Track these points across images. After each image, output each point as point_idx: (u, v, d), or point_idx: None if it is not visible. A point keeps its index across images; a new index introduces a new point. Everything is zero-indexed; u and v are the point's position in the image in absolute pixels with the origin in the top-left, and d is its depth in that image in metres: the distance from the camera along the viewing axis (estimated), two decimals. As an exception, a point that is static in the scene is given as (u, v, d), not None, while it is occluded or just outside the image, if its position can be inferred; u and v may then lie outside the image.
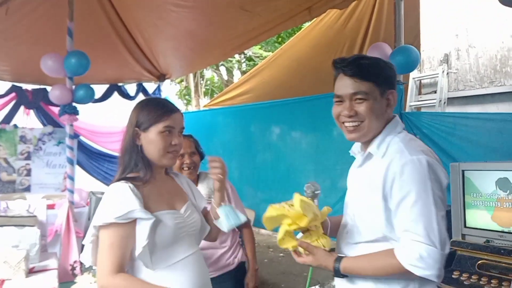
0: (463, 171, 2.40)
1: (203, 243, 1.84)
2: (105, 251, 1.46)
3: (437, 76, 5.21)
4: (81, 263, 2.65)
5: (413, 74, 5.37)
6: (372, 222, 1.44)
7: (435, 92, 5.21)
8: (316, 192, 1.63)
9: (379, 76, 1.47)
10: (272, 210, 1.48)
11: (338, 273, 1.45)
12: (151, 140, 1.58)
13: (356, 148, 1.62)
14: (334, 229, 1.66)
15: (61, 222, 3.18)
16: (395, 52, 3.53)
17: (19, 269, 2.04)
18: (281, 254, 5.87)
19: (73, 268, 2.59)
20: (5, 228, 2.30)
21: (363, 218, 1.49)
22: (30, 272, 2.18)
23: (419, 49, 4.28)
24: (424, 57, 5.46)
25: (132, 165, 1.58)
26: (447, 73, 5.24)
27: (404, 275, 1.34)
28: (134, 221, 1.48)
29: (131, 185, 1.51)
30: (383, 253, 1.40)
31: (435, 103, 5.09)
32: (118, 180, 1.55)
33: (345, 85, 1.47)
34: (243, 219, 1.72)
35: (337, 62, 1.50)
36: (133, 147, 1.59)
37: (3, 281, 2.00)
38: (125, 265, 1.49)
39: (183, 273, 1.55)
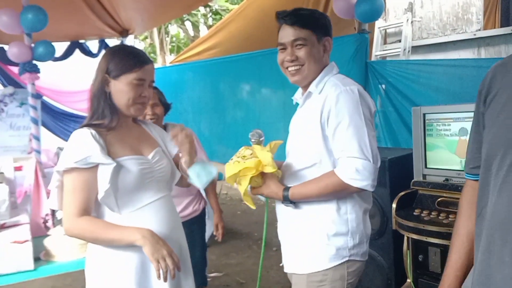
0: (424, 114, 2.49)
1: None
2: (69, 195, 1.50)
3: (402, 25, 5.26)
4: (53, 216, 2.65)
5: (378, 24, 5.39)
6: (309, 149, 1.63)
7: (400, 41, 5.27)
8: (261, 139, 1.75)
9: (316, 25, 1.67)
10: (232, 168, 1.59)
11: (287, 199, 1.62)
12: (120, 89, 1.58)
13: (298, 94, 1.80)
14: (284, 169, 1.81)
15: (29, 182, 3.15)
16: (359, 0, 3.53)
17: (-10, 225, 2.05)
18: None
19: (45, 221, 2.60)
20: (-28, 186, 2.27)
21: (301, 147, 1.67)
22: (1, 227, 2.18)
23: (384, -2, 4.27)
24: (389, 6, 5.48)
25: (100, 112, 1.58)
26: (411, 22, 5.29)
27: (344, 191, 1.54)
28: (96, 167, 1.50)
29: (93, 131, 1.53)
30: (325, 175, 1.58)
31: (399, 52, 5.16)
32: (82, 126, 1.56)
33: (287, 33, 1.66)
34: (215, 172, 1.72)
35: (279, 14, 1.69)
36: (101, 93, 1.58)
37: (-26, 237, 2.00)
38: (90, 208, 1.53)
39: (150, 216, 1.58)
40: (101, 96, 1.58)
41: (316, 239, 1.61)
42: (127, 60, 1.58)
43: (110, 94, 1.58)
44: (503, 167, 1.01)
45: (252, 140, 1.74)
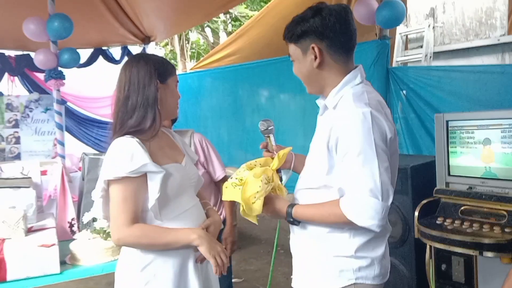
0: (447, 121, 2.46)
1: None
2: (119, 205, 1.50)
3: (423, 31, 5.21)
4: (78, 221, 2.70)
5: (400, 29, 5.35)
6: (316, 170, 1.50)
7: (421, 46, 5.22)
8: (270, 128, 1.71)
9: (293, 36, 1.49)
10: (226, 193, 1.55)
11: (290, 217, 1.52)
12: (170, 91, 1.63)
13: (320, 99, 1.64)
14: (297, 165, 1.72)
15: (54, 187, 3.21)
16: (381, 6, 3.52)
17: (18, 228, 2.09)
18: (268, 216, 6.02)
19: (71, 225, 2.65)
20: (0, 190, 2.33)
21: (310, 166, 1.56)
22: (29, 231, 2.23)
23: (405, 3, 4.25)
24: (410, 12, 5.43)
25: (146, 117, 1.55)
26: (433, 27, 5.23)
27: (348, 224, 1.39)
28: (145, 175, 1.51)
29: (137, 139, 1.53)
30: (329, 203, 1.45)
31: (421, 57, 5.11)
32: (122, 135, 1.55)
33: None
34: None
35: None
36: (154, 100, 1.57)
37: (3, 240, 2.05)
38: (139, 217, 1.54)
39: (186, 223, 1.60)
40: (154, 103, 1.57)
41: (319, 258, 1.52)
42: (166, 64, 1.65)
43: (159, 99, 1.59)
44: None
45: (261, 129, 1.72)
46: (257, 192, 1.49)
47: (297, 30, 1.48)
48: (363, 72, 1.53)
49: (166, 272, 1.55)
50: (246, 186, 1.50)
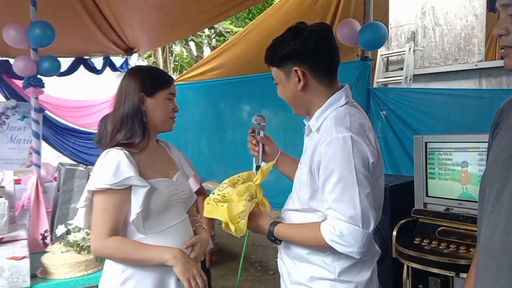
0: (426, 143, 2.50)
1: None
2: (99, 216, 1.51)
3: (404, 53, 5.33)
4: (51, 233, 2.62)
5: (381, 51, 5.47)
6: (301, 193, 1.49)
7: (402, 69, 5.33)
8: (262, 124, 1.70)
9: (275, 59, 1.48)
10: (207, 209, 1.53)
11: (271, 235, 1.51)
12: (157, 105, 1.62)
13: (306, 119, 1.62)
14: (280, 163, 1.74)
15: (28, 196, 3.13)
16: (364, 28, 3.58)
17: (-12, 239, 2.03)
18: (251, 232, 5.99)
19: (44, 238, 2.57)
20: (-28, 200, 2.26)
21: (296, 188, 1.55)
22: (-1, 242, 2.16)
23: (387, 26, 4.35)
24: (392, 35, 5.57)
25: (132, 132, 1.57)
26: (414, 51, 5.36)
27: (328, 249, 1.38)
28: (129, 188, 1.51)
29: (126, 152, 1.54)
30: (311, 226, 1.44)
31: (401, 79, 5.22)
32: (113, 146, 1.56)
33: None
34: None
35: None
36: (136, 112, 1.59)
37: (-29, 251, 1.97)
38: (119, 229, 1.54)
39: (172, 239, 1.59)
40: (136, 115, 1.58)
41: (302, 280, 1.50)
42: (159, 77, 1.66)
43: (145, 112, 1.61)
44: (490, 198, 1.07)
45: (255, 124, 1.71)
46: (242, 211, 1.47)
47: (278, 54, 1.47)
48: (348, 92, 1.52)
49: (145, 287, 1.53)
50: (230, 204, 1.48)
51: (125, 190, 1.51)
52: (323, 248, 1.39)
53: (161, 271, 1.55)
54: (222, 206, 1.49)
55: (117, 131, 1.59)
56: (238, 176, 1.61)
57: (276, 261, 1.73)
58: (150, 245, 1.54)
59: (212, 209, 1.51)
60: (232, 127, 5.30)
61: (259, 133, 1.73)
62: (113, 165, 1.49)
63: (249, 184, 1.55)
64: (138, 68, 1.72)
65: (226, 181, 1.59)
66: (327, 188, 1.36)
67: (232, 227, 1.46)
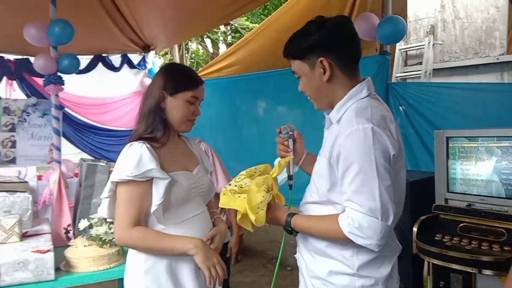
0: (447, 137, 2.47)
1: None
2: (122, 206, 1.57)
3: (423, 47, 5.25)
4: (74, 227, 2.67)
5: (400, 45, 5.40)
6: (319, 185, 1.48)
7: (421, 63, 5.26)
8: (291, 132, 1.68)
9: (298, 52, 1.46)
10: (224, 200, 1.52)
11: (288, 226, 1.50)
12: (176, 106, 1.65)
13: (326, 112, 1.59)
14: (306, 164, 1.71)
15: (49, 191, 3.18)
16: (382, 22, 3.54)
17: (13, 233, 2.06)
18: (268, 224, 6.00)
19: (67, 232, 2.62)
20: (-4, 194, 2.30)
21: (314, 180, 1.53)
22: (24, 236, 2.19)
23: (406, 20, 4.29)
24: (411, 28, 5.49)
25: (153, 126, 1.63)
26: (433, 44, 5.28)
27: (346, 241, 1.36)
28: (150, 180, 1.56)
29: (148, 145, 1.58)
30: (329, 217, 1.43)
31: (420, 74, 5.14)
32: (136, 140, 1.60)
33: None
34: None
35: None
36: (157, 109, 1.64)
37: (-3, 245, 2.02)
38: (142, 219, 1.59)
39: (191, 230, 1.64)
40: (156, 111, 1.64)
41: (321, 274, 1.50)
42: (185, 78, 1.68)
43: (164, 109, 1.65)
44: None
45: (283, 133, 1.68)
46: (261, 202, 1.47)
47: (302, 45, 1.45)
48: (371, 84, 1.49)
49: (164, 275, 1.59)
50: (249, 194, 1.47)
51: (147, 182, 1.56)
52: (341, 240, 1.38)
53: (179, 260, 1.60)
54: (239, 196, 1.49)
55: (139, 123, 1.66)
56: (255, 168, 1.61)
57: (294, 257, 1.73)
58: (172, 235, 1.59)
59: (228, 200, 1.52)
60: (248, 123, 5.30)
61: (287, 141, 1.70)
62: (135, 158, 1.54)
63: (266, 176, 1.55)
64: (168, 65, 1.78)
65: (243, 172, 1.60)
66: (346, 179, 1.35)
67: (252, 217, 1.45)
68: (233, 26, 13.37)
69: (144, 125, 1.64)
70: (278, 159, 1.74)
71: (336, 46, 1.43)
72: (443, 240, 2.29)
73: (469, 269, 2.12)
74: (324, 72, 1.44)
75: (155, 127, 1.63)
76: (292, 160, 1.67)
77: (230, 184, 1.56)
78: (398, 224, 2.55)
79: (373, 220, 1.30)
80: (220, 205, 1.55)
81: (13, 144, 5.11)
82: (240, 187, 1.53)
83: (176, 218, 1.63)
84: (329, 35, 1.43)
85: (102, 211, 1.66)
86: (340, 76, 1.46)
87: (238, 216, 1.52)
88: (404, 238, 2.57)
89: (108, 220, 2.10)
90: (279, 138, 1.71)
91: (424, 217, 2.45)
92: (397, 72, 5.37)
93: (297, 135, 1.71)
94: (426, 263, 2.35)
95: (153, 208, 1.56)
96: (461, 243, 2.21)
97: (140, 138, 1.61)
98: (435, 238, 2.32)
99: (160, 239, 1.58)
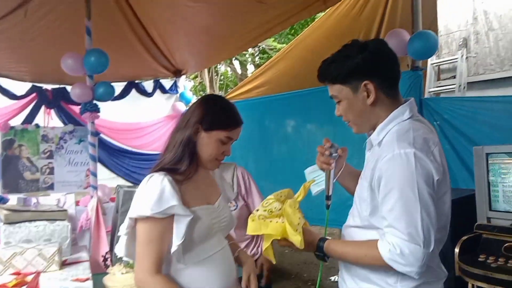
0: (487, 154, 2.38)
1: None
2: (143, 247, 1.45)
3: (456, 61, 5.15)
4: (111, 254, 2.70)
5: (431, 60, 5.31)
6: (361, 209, 1.45)
7: (454, 77, 5.15)
8: (334, 154, 1.63)
9: (340, 76, 1.44)
10: (254, 226, 1.47)
11: (320, 251, 1.46)
12: (208, 143, 1.56)
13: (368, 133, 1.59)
14: (346, 175, 1.66)
15: (86, 217, 3.25)
16: (413, 38, 3.50)
17: (53, 261, 2.11)
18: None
19: (105, 260, 2.65)
20: (37, 223, 2.37)
21: (356, 203, 1.50)
22: (63, 264, 2.24)
23: (436, 34, 4.23)
24: (442, 42, 5.40)
25: (181, 158, 1.53)
26: (466, 58, 5.17)
27: (386, 268, 1.33)
28: (171, 216, 1.45)
29: (169, 177, 1.48)
30: (367, 243, 1.40)
31: (454, 88, 5.03)
32: (158, 170, 1.51)
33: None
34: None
35: None
36: (189, 141, 1.55)
37: (38, 273, 2.06)
38: (163, 261, 1.48)
39: (213, 268, 1.54)
40: (188, 144, 1.55)
41: None
42: (224, 117, 1.58)
43: (195, 143, 1.56)
44: None
45: (328, 154, 1.62)
46: (298, 224, 1.43)
47: (344, 69, 1.43)
48: (414, 106, 1.47)
49: None
50: (288, 217, 1.43)
51: (168, 219, 1.45)
52: (380, 266, 1.35)
53: None
54: (271, 221, 1.45)
55: (166, 151, 1.57)
56: (281, 192, 1.55)
57: (330, 280, 1.68)
58: None
59: (259, 226, 1.46)
60: (278, 143, 5.30)
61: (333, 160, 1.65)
62: (156, 192, 1.43)
63: (295, 199, 1.51)
64: (210, 98, 1.67)
65: (271, 196, 1.53)
66: (387, 205, 1.33)
67: (297, 238, 1.41)
68: (260, 47, 13.51)
69: (171, 156, 1.54)
70: (309, 168, 1.72)
71: (379, 69, 1.43)
72: (488, 261, 2.19)
73: (517, 292, 2.01)
74: (368, 96, 1.42)
75: (181, 159, 1.53)
76: (332, 179, 1.64)
77: (258, 210, 1.50)
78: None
79: (415, 247, 1.27)
80: (248, 232, 1.48)
81: (51, 171, 5.28)
82: (270, 211, 1.48)
83: (197, 257, 1.52)
84: (372, 59, 1.42)
85: (119, 250, 1.55)
86: (383, 99, 1.44)
87: (265, 246, 1.47)
88: (445, 259, 2.47)
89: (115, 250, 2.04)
90: (321, 147, 1.67)
91: (466, 237, 2.35)
92: (430, 87, 5.26)
93: (341, 152, 1.66)
94: (470, 285, 2.25)
95: (173, 249, 1.44)
96: (508, 264, 2.11)
97: (162, 169, 1.51)
98: (479, 259, 2.23)
99: None
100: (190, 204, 1.50)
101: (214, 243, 1.57)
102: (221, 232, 1.64)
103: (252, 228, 1.47)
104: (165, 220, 1.44)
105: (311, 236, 1.49)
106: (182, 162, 1.53)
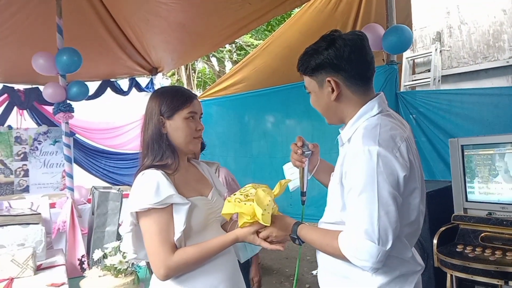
0: (462, 146, 2.42)
1: None
2: (155, 239, 1.48)
3: (430, 55, 5.22)
4: (88, 258, 2.64)
5: (406, 54, 5.37)
6: (333, 205, 1.46)
7: (429, 70, 5.22)
8: (307, 152, 1.64)
9: (308, 69, 1.45)
10: (229, 207, 1.50)
11: (294, 234, 1.48)
12: (177, 127, 1.60)
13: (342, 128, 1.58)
14: (321, 170, 1.68)
15: (63, 220, 3.17)
16: (387, 32, 3.53)
17: (27, 266, 2.04)
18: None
19: (81, 263, 2.59)
20: (9, 227, 2.29)
21: (328, 200, 1.51)
22: (38, 269, 2.17)
23: (411, 28, 4.27)
24: (416, 36, 5.47)
25: (161, 154, 1.58)
26: (440, 51, 5.24)
27: (344, 259, 1.34)
28: (170, 207, 1.51)
29: (162, 171, 1.53)
30: (331, 233, 1.41)
31: (429, 81, 5.11)
32: (147, 168, 1.55)
33: None
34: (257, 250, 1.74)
35: None
36: (159, 136, 1.59)
37: (12, 279, 2.00)
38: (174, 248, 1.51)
39: (215, 258, 1.56)
40: (159, 138, 1.59)
41: None
42: (177, 98, 1.62)
43: (167, 135, 1.60)
44: None
45: (300, 153, 1.64)
46: (267, 205, 1.46)
47: (311, 63, 1.43)
48: (383, 101, 1.45)
49: None
50: (257, 197, 1.47)
51: (167, 209, 1.50)
52: (339, 257, 1.36)
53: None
54: (245, 204, 1.47)
55: (144, 156, 1.61)
56: (259, 184, 1.59)
57: (312, 274, 1.69)
58: (209, 240, 1.54)
59: (232, 206, 1.49)
60: (257, 139, 5.30)
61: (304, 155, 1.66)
62: (153, 185, 1.49)
63: (270, 190, 1.55)
64: (158, 91, 1.72)
65: (249, 184, 1.57)
66: (349, 199, 1.34)
67: (264, 216, 1.44)
68: (238, 43, 13.47)
69: (151, 156, 1.59)
70: (287, 164, 1.74)
71: (344, 66, 1.40)
72: (465, 251, 2.23)
73: (495, 281, 2.05)
74: (332, 91, 1.42)
75: (163, 154, 1.58)
76: (306, 176, 1.66)
77: (235, 194, 1.53)
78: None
79: (370, 243, 1.27)
80: (223, 212, 1.51)
81: (26, 173, 5.16)
82: (246, 195, 1.51)
83: None
84: (338, 55, 1.39)
85: (127, 247, 1.58)
86: (348, 95, 1.43)
87: (240, 222, 1.50)
88: (424, 251, 2.50)
89: (122, 249, 2.05)
90: (294, 146, 1.68)
91: (443, 228, 2.39)
92: (405, 81, 5.33)
93: (313, 148, 1.67)
94: (448, 276, 2.29)
95: (176, 236, 1.50)
96: (484, 253, 2.15)
97: (151, 166, 1.56)
98: (457, 249, 2.26)
99: (204, 249, 1.51)
100: (185, 195, 1.55)
101: (212, 232, 1.61)
102: (217, 223, 1.68)
103: (226, 208, 1.50)
104: (166, 210, 1.50)
105: (287, 220, 1.52)
106: (166, 157, 1.58)
